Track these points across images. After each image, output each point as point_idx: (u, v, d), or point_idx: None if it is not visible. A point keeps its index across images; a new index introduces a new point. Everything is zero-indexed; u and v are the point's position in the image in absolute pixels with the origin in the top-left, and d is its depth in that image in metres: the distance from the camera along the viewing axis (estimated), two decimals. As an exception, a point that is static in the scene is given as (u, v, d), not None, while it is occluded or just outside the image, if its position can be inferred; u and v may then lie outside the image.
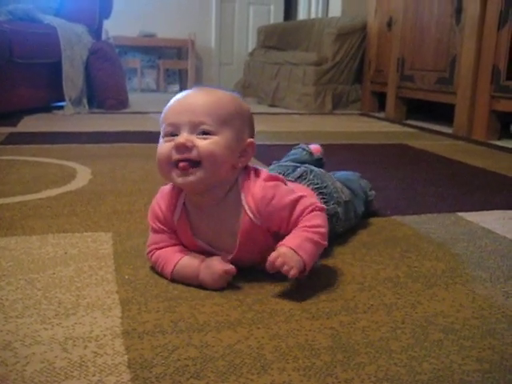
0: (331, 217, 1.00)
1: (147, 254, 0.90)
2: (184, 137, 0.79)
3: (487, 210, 1.33)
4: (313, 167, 1.07)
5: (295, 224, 0.83)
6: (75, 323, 0.71)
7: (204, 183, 0.80)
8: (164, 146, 0.81)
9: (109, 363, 0.62)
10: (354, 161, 1.96)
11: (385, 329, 0.72)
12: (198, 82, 5.76)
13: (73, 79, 3.29)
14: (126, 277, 0.87)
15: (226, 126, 0.80)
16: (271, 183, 0.84)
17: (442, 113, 3.27)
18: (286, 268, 0.78)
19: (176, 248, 0.88)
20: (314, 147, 1.25)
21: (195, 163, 0.79)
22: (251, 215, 0.83)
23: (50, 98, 3.34)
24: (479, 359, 0.65)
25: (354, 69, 3.94)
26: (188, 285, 0.84)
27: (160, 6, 5.53)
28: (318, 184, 1.01)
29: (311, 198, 0.87)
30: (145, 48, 5.56)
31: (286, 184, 0.87)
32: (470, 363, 0.64)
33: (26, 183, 1.48)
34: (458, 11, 2.77)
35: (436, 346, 0.68)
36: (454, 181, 1.67)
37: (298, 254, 0.79)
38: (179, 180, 0.80)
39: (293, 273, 0.77)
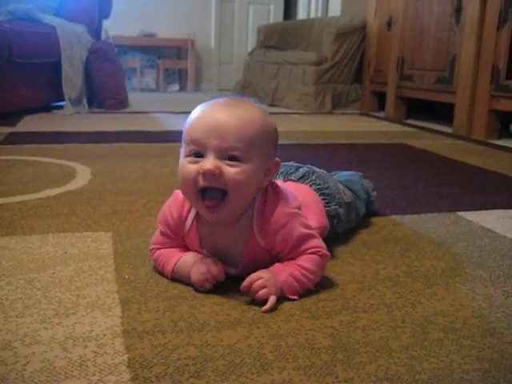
0: (332, 218, 1.00)
1: (150, 250, 0.90)
2: (211, 163, 0.73)
3: (487, 209, 1.33)
4: (315, 168, 1.07)
5: (294, 256, 0.82)
6: (75, 323, 0.71)
7: (232, 215, 0.79)
8: (189, 169, 0.76)
9: (109, 363, 0.62)
10: (353, 160, 1.96)
11: (385, 328, 0.72)
12: (198, 81, 5.76)
13: (72, 79, 3.29)
14: (126, 276, 0.87)
15: (255, 151, 0.76)
16: (288, 211, 0.82)
17: (441, 112, 3.27)
18: (260, 294, 0.77)
19: (176, 248, 0.88)
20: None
21: (221, 192, 0.76)
22: (258, 237, 0.82)
23: (49, 98, 3.34)
24: (479, 358, 0.65)
25: (354, 68, 3.94)
26: (188, 284, 0.84)
27: (159, 5, 5.53)
28: (320, 185, 1.01)
29: (320, 241, 0.84)
30: (144, 48, 5.56)
31: (301, 214, 0.84)
32: (469, 362, 0.64)
33: (25, 183, 1.48)
34: (458, 11, 2.77)
35: (436, 345, 0.68)
36: (454, 180, 1.67)
37: (282, 287, 0.79)
38: (207, 215, 0.78)
39: (266, 307, 0.76)
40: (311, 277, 0.81)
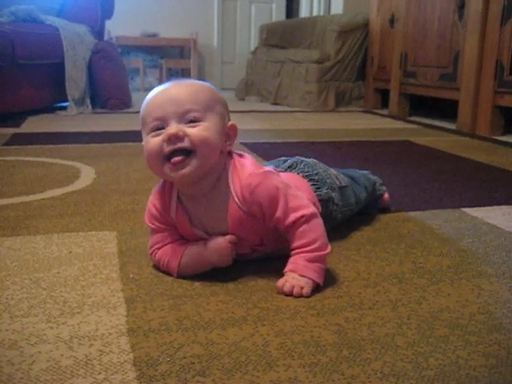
0: (326, 202, 1.00)
1: (150, 254, 0.90)
2: (174, 127, 0.78)
3: (492, 205, 1.33)
4: (304, 158, 1.07)
5: (287, 229, 0.83)
6: (80, 322, 0.72)
7: (198, 172, 0.80)
8: (153, 141, 0.80)
9: (114, 361, 0.62)
10: (358, 158, 1.96)
11: (390, 325, 0.72)
12: (201, 80, 5.75)
13: (76, 79, 3.29)
14: (131, 275, 0.87)
15: (210, 111, 0.81)
16: (260, 171, 0.84)
17: (445, 109, 3.26)
18: (296, 290, 0.79)
19: (176, 243, 0.88)
20: None
21: (188, 152, 0.79)
22: (237, 201, 0.83)
23: (53, 99, 3.35)
24: (485, 354, 0.65)
25: (357, 66, 3.94)
26: (193, 283, 0.84)
27: (162, 5, 5.54)
28: (308, 172, 1.02)
29: (302, 199, 0.85)
30: (147, 48, 5.57)
31: (277, 174, 0.87)
32: (476, 358, 0.64)
33: (30, 183, 1.48)
34: (461, 7, 2.76)
35: (442, 341, 0.68)
36: (458, 176, 1.66)
37: (305, 277, 0.80)
38: (173, 174, 0.80)
39: (305, 291, 0.79)
40: (318, 244, 0.82)
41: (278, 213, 0.82)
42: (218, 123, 0.82)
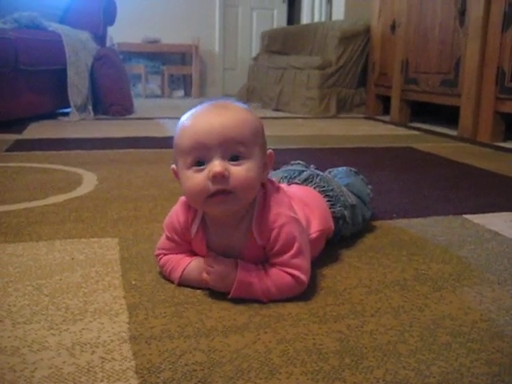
0: (338, 219, 1.00)
1: (156, 256, 0.90)
2: (220, 165, 0.73)
3: (494, 212, 1.33)
4: (319, 171, 1.07)
5: (275, 257, 0.81)
6: (83, 329, 0.72)
7: (237, 208, 0.79)
8: (196, 178, 0.75)
9: (116, 369, 0.62)
10: (359, 164, 1.96)
11: (392, 332, 0.72)
12: (203, 87, 5.78)
13: (78, 86, 3.30)
14: (133, 282, 0.87)
15: (254, 146, 0.77)
16: (289, 213, 0.81)
17: (446, 115, 3.26)
18: (206, 277, 0.80)
19: (184, 254, 0.88)
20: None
21: (229, 192, 0.75)
22: (256, 235, 0.81)
23: (55, 105, 3.36)
24: (488, 362, 0.65)
25: (358, 72, 3.94)
26: (194, 290, 0.84)
27: (164, 11, 5.56)
28: (324, 187, 1.01)
29: (306, 263, 0.81)
30: (149, 54, 5.59)
31: (301, 223, 0.83)
32: (478, 366, 0.64)
33: (32, 190, 1.48)
34: (462, 13, 2.76)
35: (444, 349, 0.68)
36: (460, 183, 1.66)
37: (233, 281, 0.78)
38: (216, 209, 0.77)
39: (210, 278, 0.80)
40: (273, 291, 0.79)
41: (281, 259, 0.80)
42: (260, 157, 0.78)
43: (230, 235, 0.83)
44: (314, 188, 1.01)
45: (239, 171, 0.75)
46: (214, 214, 0.82)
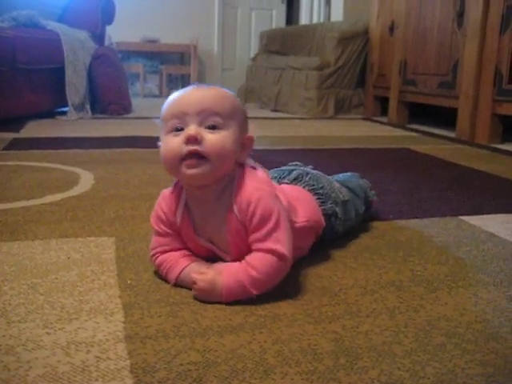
0: (329, 216, 1.00)
1: (151, 256, 0.90)
2: (194, 129, 0.78)
3: (490, 213, 1.33)
4: (309, 170, 1.07)
5: (251, 239, 0.81)
6: (78, 328, 0.71)
7: (209, 176, 0.80)
8: (172, 141, 0.79)
9: (111, 368, 0.62)
10: (357, 165, 1.96)
11: (388, 333, 0.72)
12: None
13: (76, 84, 3.30)
14: (129, 281, 0.87)
15: (231, 119, 0.81)
16: (267, 187, 0.82)
17: (444, 117, 3.27)
18: (196, 288, 0.80)
19: (181, 253, 0.88)
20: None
21: (202, 157, 0.78)
22: (236, 213, 0.82)
23: (53, 104, 3.36)
24: (483, 363, 0.65)
25: (357, 73, 3.95)
26: (190, 290, 0.83)
27: (163, 11, 5.56)
28: (313, 185, 1.02)
29: (285, 235, 0.80)
30: (147, 53, 5.59)
31: (280, 200, 0.84)
32: (473, 367, 0.64)
33: (29, 188, 1.48)
34: (460, 15, 2.77)
35: (439, 350, 0.68)
36: (457, 185, 1.66)
37: (220, 292, 0.78)
38: (188, 172, 0.79)
39: (198, 287, 0.79)
40: (256, 276, 0.78)
41: (259, 234, 0.80)
42: (237, 133, 0.81)
43: (212, 214, 0.84)
44: (304, 187, 1.01)
45: (213, 137, 0.79)
46: (190, 183, 0.83)
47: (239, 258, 0.83)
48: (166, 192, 0.89)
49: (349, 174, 1.25)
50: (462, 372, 0.63)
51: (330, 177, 1.11)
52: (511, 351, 0.68)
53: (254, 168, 0.86)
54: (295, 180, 1.03)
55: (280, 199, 0.84)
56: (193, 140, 0.77)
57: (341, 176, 1.22)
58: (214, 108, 0.79)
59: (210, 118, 0.79)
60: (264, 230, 0.80)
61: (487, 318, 0.77)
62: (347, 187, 1.11)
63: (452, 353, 0.67)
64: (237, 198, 0.82)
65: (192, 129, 0.78)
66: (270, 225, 0.79)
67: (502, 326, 0.75)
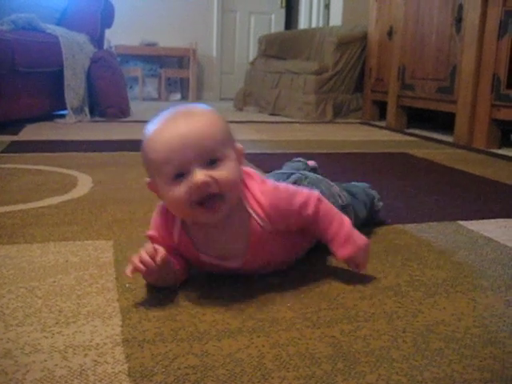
0: None
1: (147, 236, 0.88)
2: (202, 174, 0.73)
3: (488, 218, 1.33)
4: (308, 173, 1.07)
5: (312, 222, 0.88)
6: (75, 331, 0.71)
7: (227, 211, 0.78)
8: (178, 191, 0.75)
9: (109, 372, 0.62)
10: (355, 169, 1.97)
11: (386, 337, 0.72)
12: (200, 90, 5.78)
13: (74, 88, 3.30)
14: (127, 285, 0.87)
15: (226, 144, 0.77)
16: (269, 188, 0.84)
17: (442, 121, 3.28)
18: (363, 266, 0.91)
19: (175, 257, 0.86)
20: (310, 162, 1.28)
21: (216, 196, 0.75)
22: (259, 221, 0.82)
23: (51, 107, 3.36)
24: (480, 368, 0.65)
25: (355, 78, 3.96)
26: (188, 293, 0.84)
27: (162, 15, 5.56)
28: None
29: (305, 193, 0.87)
30: (146, 57, 5.59)
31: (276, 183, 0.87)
32: (471, 372, 0.64)
33: (27, 191, 1.48)
34: (458, 20, 2.78)
35: (437, 354, 0.68)
36: (455, 189, 1.67)
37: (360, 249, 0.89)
38: (205, 218, 0.77)
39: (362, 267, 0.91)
40: (339, 218, 0.90)
41: (294, 207, 0.85)
42: (233, 155, 0.78)
43: (223, 233, 0.83)
44: None
45: (222, 174, 0.75)
46: (204, 222, 0.80)
47: (253, 262, 0.85)
48: (161, 209, 0.86)
49: (360, 183, 1.25)
50: (460, 377, 0.63)
51: (333, 182, 1.12)
52: (509, 356, 0.68)
53: (247, 173, 0.85)
54: (294, 184, 1.03)
55: (276, 182, 0.89)
56: (204, 186, 0.73)
57: (351, 184, 1.22)
58: (210, 145, 0.75)
59: (209, 155, 0.75)
60: (295, 204, 0.85)
61: (485, 322, 0.77)
62: (349, 191, 1.11)
63: (450, 358, 0.67)
64: (254, 208, 0.82)
65: (199, 175, 0.73)
66: (300, 198, 0.86)
67: (500, 331, 0.75)
